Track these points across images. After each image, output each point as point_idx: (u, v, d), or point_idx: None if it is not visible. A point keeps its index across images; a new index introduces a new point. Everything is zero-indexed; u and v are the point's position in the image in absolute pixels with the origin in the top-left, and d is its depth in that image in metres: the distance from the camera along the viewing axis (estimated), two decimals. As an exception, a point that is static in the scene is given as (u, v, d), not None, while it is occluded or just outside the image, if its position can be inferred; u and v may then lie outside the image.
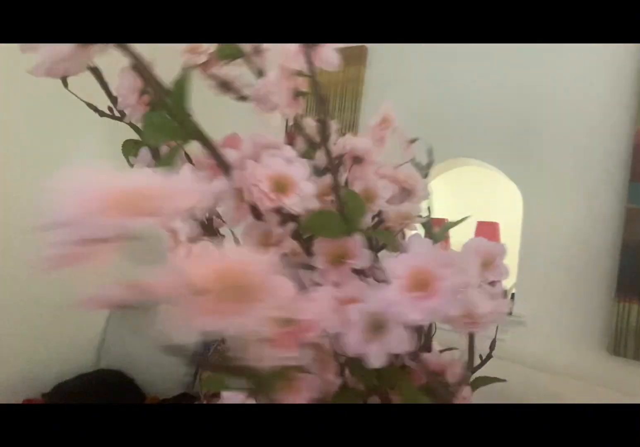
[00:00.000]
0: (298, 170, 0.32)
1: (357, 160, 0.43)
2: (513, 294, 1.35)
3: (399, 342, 0.30)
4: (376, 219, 0.43)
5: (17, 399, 1.28)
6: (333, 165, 0.36)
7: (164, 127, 0.30)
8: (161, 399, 1.32)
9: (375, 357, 0.30)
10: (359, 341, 0.31)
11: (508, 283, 1.39)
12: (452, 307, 0.28)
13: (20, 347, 1.36)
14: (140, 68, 0.31)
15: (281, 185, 0.31)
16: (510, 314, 1.34)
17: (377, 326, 0.31)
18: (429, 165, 0.45)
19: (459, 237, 1.50)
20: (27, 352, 1.38)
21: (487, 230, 1.44)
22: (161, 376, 1.39)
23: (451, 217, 1.75)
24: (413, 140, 0.45)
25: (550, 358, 1.28)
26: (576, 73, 1.30)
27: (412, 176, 0.43)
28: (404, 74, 1.57)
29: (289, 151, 0.34)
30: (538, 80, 1.36)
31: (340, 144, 0.41)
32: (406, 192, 0.43)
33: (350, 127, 1.63)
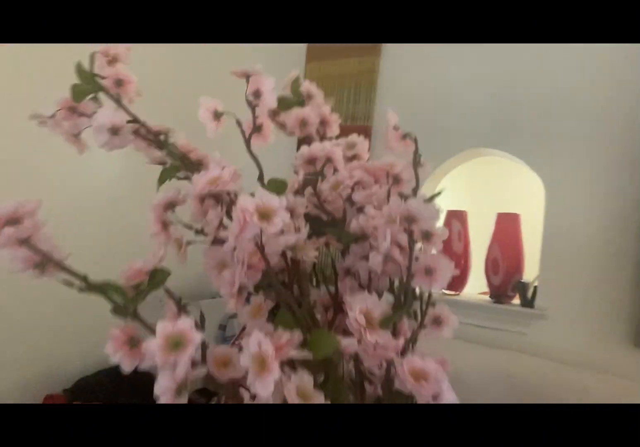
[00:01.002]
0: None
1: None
2: (536, 287, 1.32)
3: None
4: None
5: (38, 395, 1.29)
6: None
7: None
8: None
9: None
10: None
11: (530, 276, 1.36)
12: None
13: (40, 342, 1.38)
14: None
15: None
16: (532, 307, 1.32)
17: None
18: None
19: (480, 229, 1.49)
20: (47, 348, 1.40)
21: (508, 221, 1.41)
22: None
23: (470, 209, 1.72)
24: (405, 136, 0.44)
25: (573, 351, 1.26)
26: (597, 63, 1.26)
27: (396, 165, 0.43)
28: (420, 65, 1.54)
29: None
30: (558, 71, 1.32)
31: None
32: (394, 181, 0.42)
33: (365, 118, 1.61)
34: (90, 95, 0.37)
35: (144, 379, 1.39)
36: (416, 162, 0.43)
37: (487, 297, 1.43)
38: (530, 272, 1.38)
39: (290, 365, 0.36)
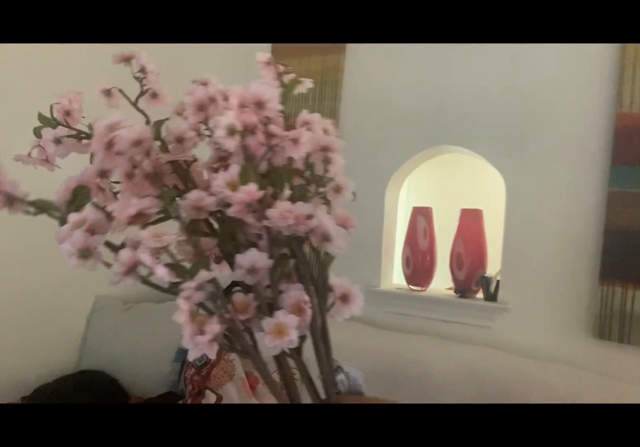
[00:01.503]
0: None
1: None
2: (499, 281, 1.35)
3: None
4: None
5: (-5, 403, 1.25)
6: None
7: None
8: (146, 398, 1.30)
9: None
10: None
11: (493, 270, 1.39)
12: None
13: (-2, 350, 1.33)
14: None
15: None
16: (495, 301, 1.34)
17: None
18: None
19: (444, 224, 1.51)
20: (5, 355, 1.35)
21: (471, 217, 1.43)
22: (145, 375, 1.37)
23: (435, 205, 1.74)
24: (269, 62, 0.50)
25: (536, 344, 1.29)
26: (557, 62, 1.28)
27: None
28: (384, 63, 1.55)
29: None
30: (521, 70, 1.33)
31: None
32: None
33: (331, 114, 1.61)
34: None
35: (103, 386, 1.37)
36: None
37: (452, 292, 1.45)
38: (493, 266, 1.40)
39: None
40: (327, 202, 0.44)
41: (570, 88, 1.27)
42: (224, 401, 1.13)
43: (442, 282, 1.53)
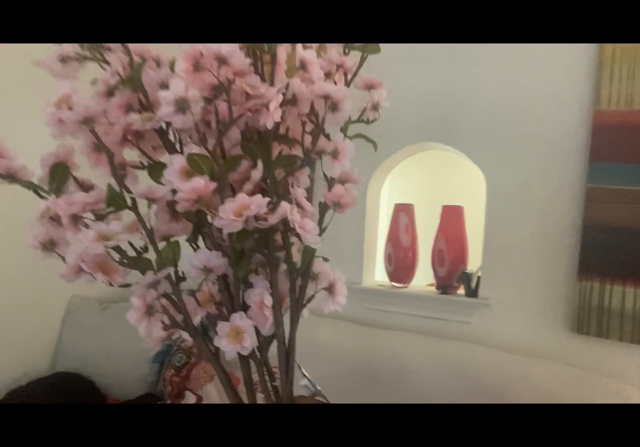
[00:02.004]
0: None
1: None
2: (479, 277, 1.35)
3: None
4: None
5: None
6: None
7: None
8: (124, 400, 1.27)
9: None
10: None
11: (474, 267, 1.40)
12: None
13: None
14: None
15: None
16: (476, 296, 1.35)
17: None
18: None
19: (426, 220, 1.51)
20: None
21: (453, 214, 1.43)
22: (122, 377, 1.34)
23: (417, 202, 1.74)
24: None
25: (516, 339, 1.30)
26: (536, 60, 1.29)
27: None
28: (367, 62, 1.54)
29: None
30: (500, 68, 1.34)
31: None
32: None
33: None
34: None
35: (79, 388, 1.33)
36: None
37: (434, 289, 1.45)
38: (474, 263, 1.41)
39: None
40: (309, 163, 0.42)
41: (549, 86, 1.28)
42: (204, 402, 1.11)
43: (423, 278, 1.53)
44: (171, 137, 0.42)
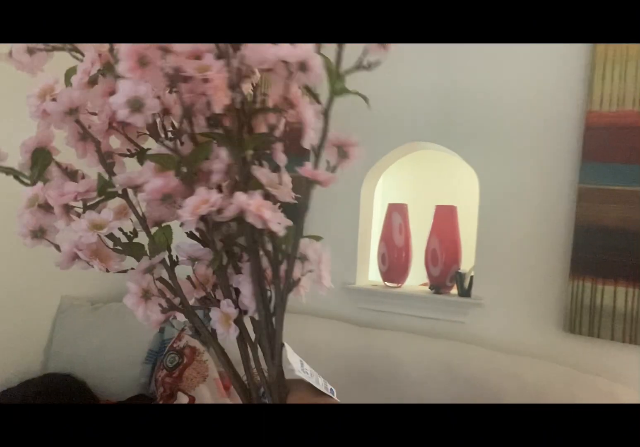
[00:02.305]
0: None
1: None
2: (472, 277, 1.36)
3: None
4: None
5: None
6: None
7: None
8: (115, 402, 1.26)
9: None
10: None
11: (467, 266, 1.40)
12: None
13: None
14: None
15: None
16: (469, 296, 1.35)
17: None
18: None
19: (419, 220, 1.51)
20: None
21: (446, 214, 1.44)
22: (114, 378, 1.33)
23: (411, 202, 1.74)
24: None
25: (508, 338, 1.30)
26: (529, 60, 1.30)
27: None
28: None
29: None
30: (492, 67, 1.34)
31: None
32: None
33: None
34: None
35: (70, 389, 1.32)
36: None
37: (427, 289, 1.45)
38: (467, 262, 1.42)
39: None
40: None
41: (541, 87, 1.28)
42: (197, 403, 1.10)
43: (417, 278, 1.54)
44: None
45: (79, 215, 0.39)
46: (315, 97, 0.41)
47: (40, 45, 0.39)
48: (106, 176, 0.39)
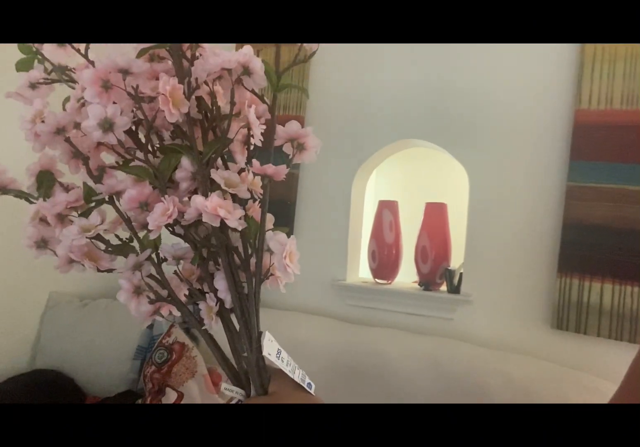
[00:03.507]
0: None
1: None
2: (462, 274, 1.36)
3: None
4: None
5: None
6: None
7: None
8: (103, 398, 1.25)
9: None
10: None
11: (456, 263, 1.41)
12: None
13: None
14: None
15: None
16: (459, 293, 1.36)
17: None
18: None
19: (410, 217, 1.52)
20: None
21: (436, 211, 1.44)
22: (102, 374, 1.32)
23: (401, 199, 1.74)
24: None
25: (496, 334, 1.31)
26: (519, 58, 1.31)
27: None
28: (351, 58, 1.54)
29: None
30: (483, 66, 1.35)
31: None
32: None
33: (298, 108, 1.59)
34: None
35: (58, 386, 1.31)
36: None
37: (417, 286, 1.46)
38: (457, 259, 1.42)
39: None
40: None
41: (531, 85, 1.29)
42: (185, 399, 1.10)
43: (407, 275, 1.54)
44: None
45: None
46: (260, 97, 0.45)
47: (41, 79, 0.44)
48: (93, 185, 0.43)
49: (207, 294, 0.43)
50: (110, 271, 0.43)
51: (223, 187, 0.39)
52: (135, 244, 0.44)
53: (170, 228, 0.43)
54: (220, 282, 0.42)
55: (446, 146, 1.39)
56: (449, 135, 1.39)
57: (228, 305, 0.42)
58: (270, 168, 0.40)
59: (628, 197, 1.15)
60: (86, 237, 0.39)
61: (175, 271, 0.45)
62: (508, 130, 1.31)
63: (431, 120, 1.41)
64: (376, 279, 1.51)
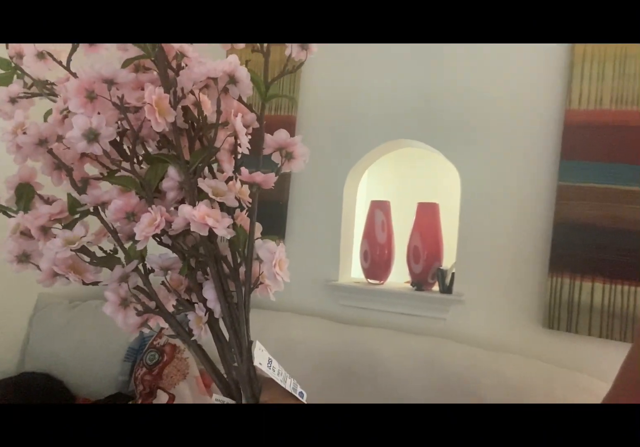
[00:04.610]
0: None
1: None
2: (454, 274, 1.37)
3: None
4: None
5: None
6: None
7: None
8: (93, 400, 1.24)
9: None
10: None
11: (448, 263, 1.41)
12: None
13: None
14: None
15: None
16: (451, 293, 1.36)
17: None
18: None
19: (402, 217, 1.52)
20: None
21: (428, 211, 1.44)
22: (93, 376, 1.31)
23: (393, 199, 1.74)
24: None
25: (488, 334, 1.31)
26: (509, 60, 1.31)
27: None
28: (342, 59, 1.54)
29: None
30: (474, 65, 1.35)
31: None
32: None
33: (289, 109, 1.59)
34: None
35: (48, 388, 1.29)
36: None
37: (409, 286, 1.46)
38: (449, 259, 1.42)
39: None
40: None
41: (521, 85, 1.29)
42: (176, 401, 1.09)
43: (399, 275, 1.54)
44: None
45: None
46: (248, 107, 0.45)
47: (21, 94, 0.43)
48: (77, 196, 0.42)
49: (195, 304, 0.43)
50: (96, 283, 0.42)
51: (210, 196, 0.39)
52: (121, 255, 0.43)
53: (157, 238, 0.43)
54: (209, 292, 0.41)
55: (437, 146, 1.40)
56: (440, 136, 1.39)
57: (217, 315, 0.42)
58: (258, 176, 0.40)
59: (618, 197, 1.16)
60: (71, 250, 0.39)
61: (162, 281, 0.44)
62: (499, 130, 1.32)
63: (422, 121, 1.41)
64: (368, 279, 1.51)
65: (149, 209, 0.38)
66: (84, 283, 0.41)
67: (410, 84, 1.43)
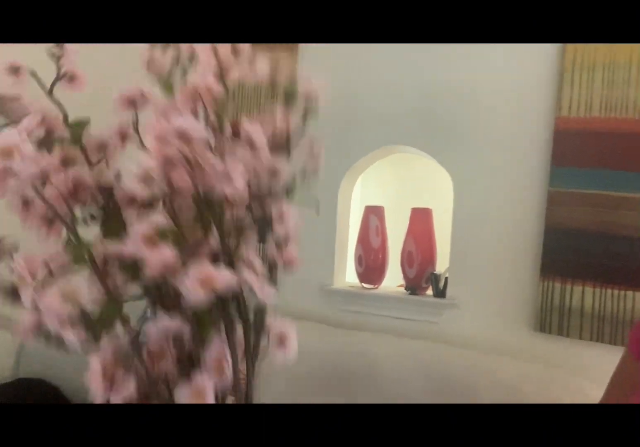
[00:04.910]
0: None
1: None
2: (447, 278, 1.38)
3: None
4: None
5: None
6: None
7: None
8: (89, 406, 1.24)
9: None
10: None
11: (442, 268, 1.42)
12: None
13: None
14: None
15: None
16: (444, 297, 1.37)
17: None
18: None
19: (396, 222, 1.53)
20: None
21: (421, 216, 1.46)
22: (87, 382, 1.30)
23: (387, 204, 1.75)
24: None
25: (481, 337, 1.33)
26: (501, 66, 1.32)
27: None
28: (336, 63, 1.55)
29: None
30: (466, 73, 1.36)
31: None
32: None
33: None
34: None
35: (43, 395, 1.29)
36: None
37: (403, 290, 1.47)
38: (442, 264, 1.44)
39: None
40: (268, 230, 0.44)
41: (512, 93, 1.31)
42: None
43: (393, 279, 1.55)
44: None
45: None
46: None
47: None
48: (76, 241, 0.38)
49: (196, 373, 0.38)
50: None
51: (252, 263, 0.40)
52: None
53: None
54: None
55: (431, 152, 1.41)
56: (434, 142, 1.40)
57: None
58: (292, 259, 0.44)
59: (608, 203, 1.18)
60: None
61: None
62: (491, 137, 1.34)
63: (416, 128, 1.43)
64: (363, 284, 1.52)
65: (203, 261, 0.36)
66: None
67: (404, 91, 1.45)
